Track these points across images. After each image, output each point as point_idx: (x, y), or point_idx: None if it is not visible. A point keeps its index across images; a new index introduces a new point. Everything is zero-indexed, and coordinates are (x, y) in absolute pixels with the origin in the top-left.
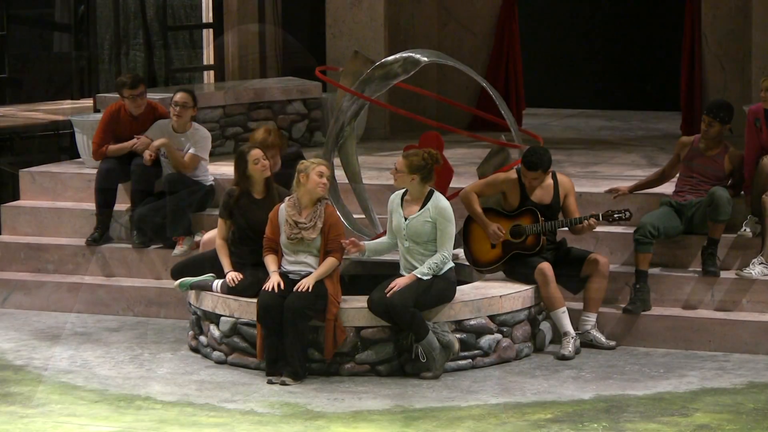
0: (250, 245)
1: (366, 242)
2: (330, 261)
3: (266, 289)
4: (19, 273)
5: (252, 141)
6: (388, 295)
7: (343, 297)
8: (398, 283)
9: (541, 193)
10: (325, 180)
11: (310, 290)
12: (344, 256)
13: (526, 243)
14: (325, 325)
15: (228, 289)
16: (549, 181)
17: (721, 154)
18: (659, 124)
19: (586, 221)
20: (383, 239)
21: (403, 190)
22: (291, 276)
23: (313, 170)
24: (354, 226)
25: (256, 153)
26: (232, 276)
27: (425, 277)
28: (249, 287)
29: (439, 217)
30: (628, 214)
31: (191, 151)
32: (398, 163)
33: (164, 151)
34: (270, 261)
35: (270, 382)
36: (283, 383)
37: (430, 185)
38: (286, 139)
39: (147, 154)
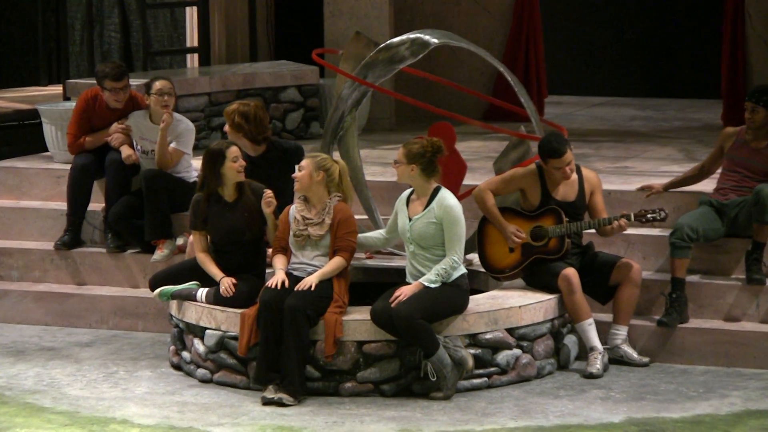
0: (228, 254)
1: (359, 236)
2: (337, 260)
3: (270, 285)
4: None
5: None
6: (393, 305)
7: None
8: (404, 292)
9: (565, 190)
10: (298, 174)
11: (312, 289)
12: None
13: (548, 246)
14: (324, 321)
15: (215, 299)
16: (573, 175)
17: None
18: (698, 114)
19: (615, 222)
20: (375, 232)
21: (412, 189)
22: (296, 274)
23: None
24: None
25: (235, 150)
26: (227, 284)
27: (433, 285)
28: (239, 297)
29: (444, 217)
30: (663, 214)
31: (173, 145)
32: (398, 153)
33: (141, 146)
34: (277, 260)
35: (265, 403)
36: (280, 401)
37: (435, 180)
38: (260, 124)
39: (130, 153)
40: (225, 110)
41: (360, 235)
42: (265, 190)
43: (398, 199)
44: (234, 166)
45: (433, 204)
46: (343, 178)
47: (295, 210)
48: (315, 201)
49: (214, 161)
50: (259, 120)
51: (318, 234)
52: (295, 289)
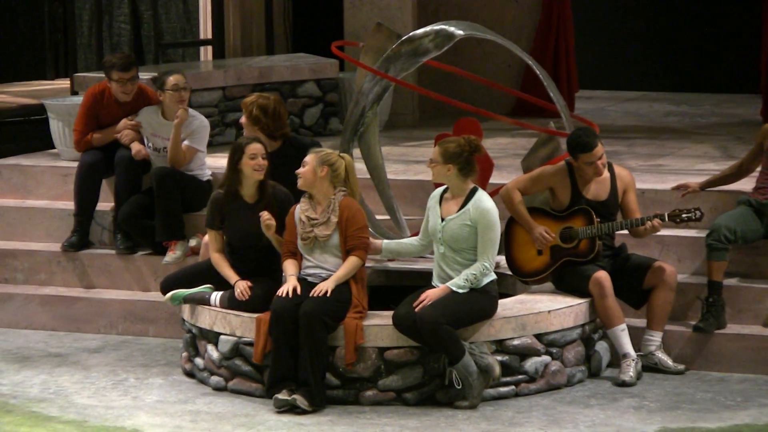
0: (244, 256)
1: (384, 241)
2: (352, 261)
3: (281, 294)
4: None
5: (242, 104)
6: (416, 309)
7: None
8: (429, 296)
9: (596, 189)
10: (301, 169)
11: (328, 294)
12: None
13: (578, 248)
14: (344, 327)
15: (230, 303)
16: (605, 173)
17: None
18: (736, 109)
19: (648, 222)
20: (410, 239)
21: (445, 187)
22: (310, 279)
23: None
24: (377, 229)
25: (256, 147)
26: (243, 287)
27: (460, 291)
28: (254, 300)
29: (480, 220)
30: (698, 214)
31: (186, 142)
32: (433, 152)
33: (152, 144)
34: (288, 265)
35: (278, 405)
36: (294, 404)
37: (472, 180)
38: (278, 119)
39: (140, 148)
40: (243, 101)
41: (393, 241)
42: (261, 213)
43: (430, 196)
44: (250, 164)
45: (469, 205)
46: (349, 173)
47: (299, 211)
48: (320, 198)
49: (233, 155)
50: (278, 115)
51: (325, 234)
52: (310, 294)
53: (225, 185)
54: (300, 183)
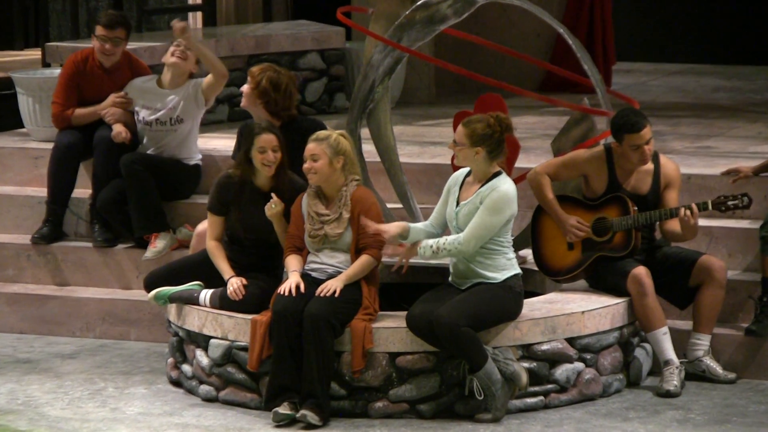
0: (245, 249)
1: (411, 224)
2: (365, 260)
3: (282, 292)
4: None
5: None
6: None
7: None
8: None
9: (637, 180)
10: (312, 164)
11: (336, 295)
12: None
13: (613, 242)
14: (351, 330)
15: (221, 302)
16: (649, 165)
17: None
18: None
19: (683, 209)
20: (423, 223)
21: (468, 170)
22: (315, 275)
23: None
24: (387, 219)
25: (265, 139)
26: (236, 285)
27: (420, 250)
28: (249, 300)
29: (487, 200)
30: (746, 200)
31: (206, 79)
32: (457, 133)
33: (143, 117)
34: (291, 260)
35: (278, 422)
36: (304, 419)
37: (499, 163)
38: (288, 98)
39: (121, 130)
40: (251, 69)
41: (416, 226)
42: (272, 194)
43: (451, 178)
44: (259, 158)
45: (485, 188)
46: (352, 155)
47: (306, 204)
48: (332, 191)
49: (244, 141)
50: (289, 94)
51: (336, 233)
52: (316, 294)
53: (236, 171)
54: (315, 179)
